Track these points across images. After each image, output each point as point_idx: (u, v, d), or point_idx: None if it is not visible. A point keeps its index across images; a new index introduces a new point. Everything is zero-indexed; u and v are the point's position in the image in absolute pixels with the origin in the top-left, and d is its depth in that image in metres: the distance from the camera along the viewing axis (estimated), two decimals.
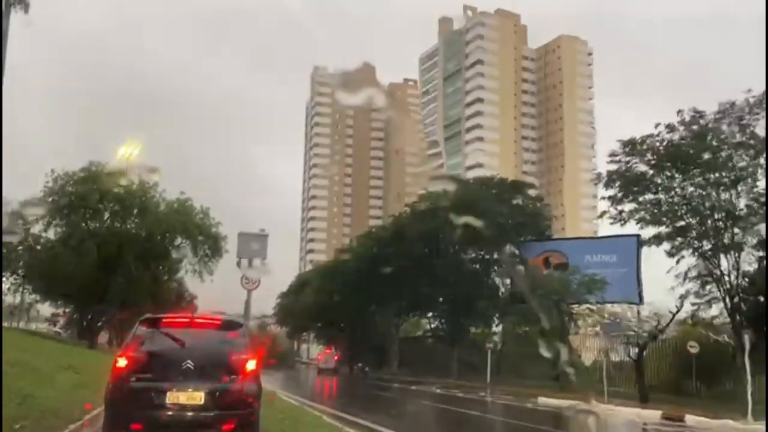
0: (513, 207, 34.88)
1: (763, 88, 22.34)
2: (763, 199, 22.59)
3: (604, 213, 26.43)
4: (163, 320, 7.84)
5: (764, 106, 22.21)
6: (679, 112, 24.16)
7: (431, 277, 35.31)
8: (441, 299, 37.75)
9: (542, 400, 22.13)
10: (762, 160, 22.84)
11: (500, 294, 37.61)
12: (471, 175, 77.72)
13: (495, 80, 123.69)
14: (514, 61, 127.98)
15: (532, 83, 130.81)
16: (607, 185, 25.74)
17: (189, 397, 6.95)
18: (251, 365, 7.47)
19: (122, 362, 7.14)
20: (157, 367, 7.14)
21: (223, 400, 7.09)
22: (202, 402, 6.97)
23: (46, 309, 56.98)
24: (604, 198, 26.28)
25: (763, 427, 13.69)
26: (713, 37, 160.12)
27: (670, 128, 24.02)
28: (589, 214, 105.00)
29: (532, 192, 37.43)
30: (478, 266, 37.18)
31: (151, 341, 7.41)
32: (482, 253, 36.18)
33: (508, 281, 35.88)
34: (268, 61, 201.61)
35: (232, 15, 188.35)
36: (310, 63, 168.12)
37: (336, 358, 49.09)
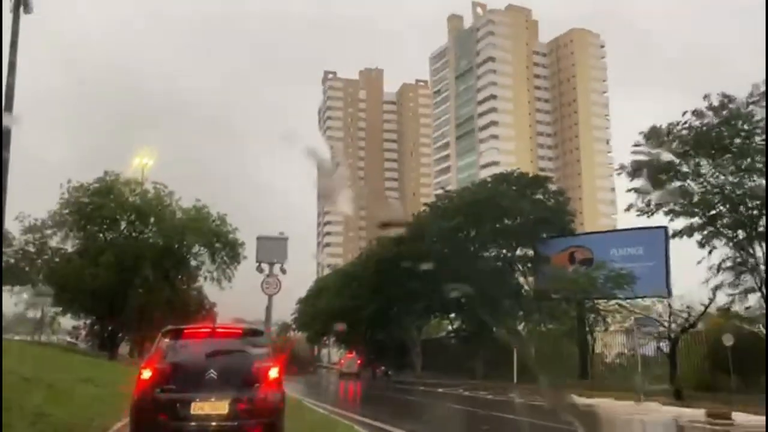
0: (534, 202, 34.03)
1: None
2: None
3: (631, 206, 25.56)
4: (186, 331, 7.91)
5: None
6: (706, 96, 23.31)
7: (453, 277, 34.58)
8: (463, 299, 36.94)
9: (576, 399, 21.37)
10: None
11: (523, 292, 36.82)
12: (486, 173, 76.91)
13: (508, 77, 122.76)
14: (527, 57, 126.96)
15: (545, 78, 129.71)
16: (633, 176, 24.89)
17: (213, 407, 6.95)
18: (274, 373, 7.47)
19: (146, 374, 7.16)
20: (181, 378, 7.14)
21: (246, 409, 7.09)
22: (226, 412, 6.95)
23: (67, 322, 57.06)
24: (630, 190, 25.40)
25: None
26: (726, 22, 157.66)
27: (698, 114, 23.17)
28: (608, 208, 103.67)
29: (552, 186, 36.37)
30: (500, 264, 36.34)
31: (174, 352, 7.48)
32: (505, 250, 35.37)
33: (531, 279, 35.08)
34: (278, 66, 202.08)
35: (241, 20, 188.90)
36: (321, 67, 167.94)
37: (359, 362, 48.63)
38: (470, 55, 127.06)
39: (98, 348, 43.65)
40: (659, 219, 25.79)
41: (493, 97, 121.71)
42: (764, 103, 21.70)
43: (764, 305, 23.32)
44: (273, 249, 15.67)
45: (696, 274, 27.25)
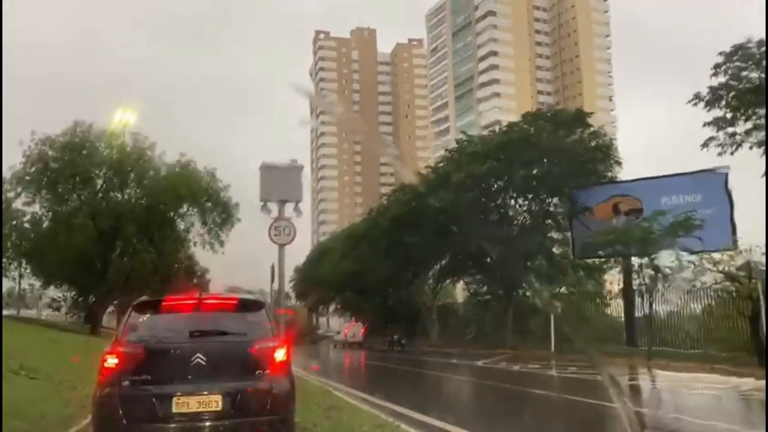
0: (575, 143, 29.53)
1: None
2: None
3: (710, 139, 21.23)
4: (164, 304, 6.32)
5: None
6: None
7: (478, 233, 30.41)
8: (489, 258, 32.78)
9: (667, 374, 17.25)
10: None
11: (555, 249, 32.71)
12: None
13: (508, 32, 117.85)
14: (527, 12, 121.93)
15: (546, 34, 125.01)
16: (712, 104, 20.51)
17: (202, 402, 5.51)
18: (280, 355, 5.96)
19: (112, 361, 5.70)
20: (159, 365, 5.69)
21: (247, 403, 5.65)
22: (220, 407, 5.52)
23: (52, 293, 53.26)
24: (706, 124, 21.04)
25: None
26: None
27: None
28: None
29: (593, 125, 31.65)
30: (531, 217, 31.90)
31: (149, 332, 6.02)
32: (540, 200, 30.94)
33: (568, 234, 30.80)
34: (268, 29, 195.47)
35: None
36: (311, 27, 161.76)
37: (363, 330, 45.26)
38: (468, 10, 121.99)
39: (84, 320, 40.00)
40: (741, 157, 21.44)
41: (494, 53, 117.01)
42: None
43: None
44: (283, 182, 11.24)
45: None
